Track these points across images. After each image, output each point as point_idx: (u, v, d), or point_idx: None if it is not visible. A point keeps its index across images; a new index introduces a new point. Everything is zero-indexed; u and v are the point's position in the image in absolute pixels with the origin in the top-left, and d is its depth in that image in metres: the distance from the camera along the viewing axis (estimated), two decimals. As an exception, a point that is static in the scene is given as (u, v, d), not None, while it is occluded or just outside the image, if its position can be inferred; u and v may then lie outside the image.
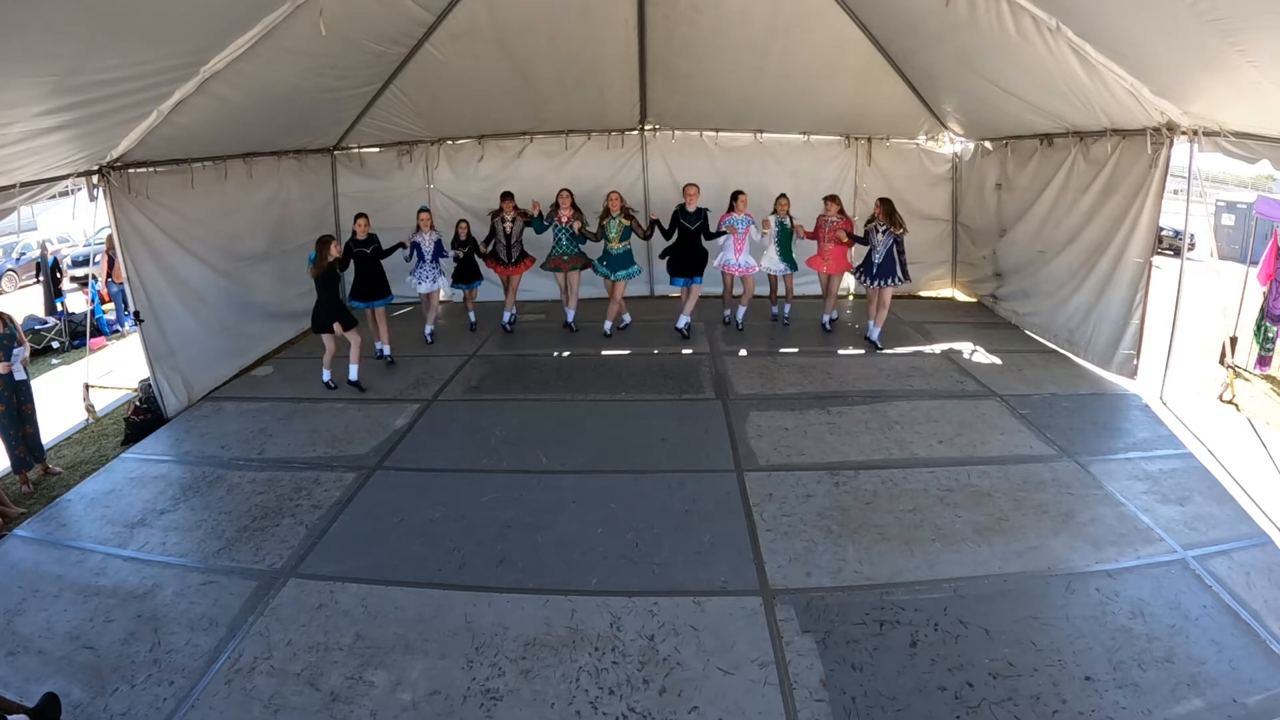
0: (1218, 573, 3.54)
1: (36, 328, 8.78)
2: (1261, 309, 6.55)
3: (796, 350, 7.07)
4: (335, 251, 6.05)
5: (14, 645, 3.25)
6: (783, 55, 7.11)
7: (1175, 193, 7.12)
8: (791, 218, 7.27)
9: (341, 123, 7.94)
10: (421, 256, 7.12)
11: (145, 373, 5.81)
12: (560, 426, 5.43)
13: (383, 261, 6.75)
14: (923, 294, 9.32)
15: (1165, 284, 5.90)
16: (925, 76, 7.42)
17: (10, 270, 14.15)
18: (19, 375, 4.87)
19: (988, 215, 8.42)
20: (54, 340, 8.83)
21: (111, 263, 9.54)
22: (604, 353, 7.10)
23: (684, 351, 7.09)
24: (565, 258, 7.38)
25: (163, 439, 5.47)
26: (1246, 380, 6.15)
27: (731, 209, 7.22)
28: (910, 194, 8.63)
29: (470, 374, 6.63)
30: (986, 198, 8.39)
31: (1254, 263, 7.37)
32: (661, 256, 7.48)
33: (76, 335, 8.92)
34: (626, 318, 7.85)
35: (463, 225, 7.39)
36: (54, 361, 8.37)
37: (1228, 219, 14.17)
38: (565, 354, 7.12)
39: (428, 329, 7.61)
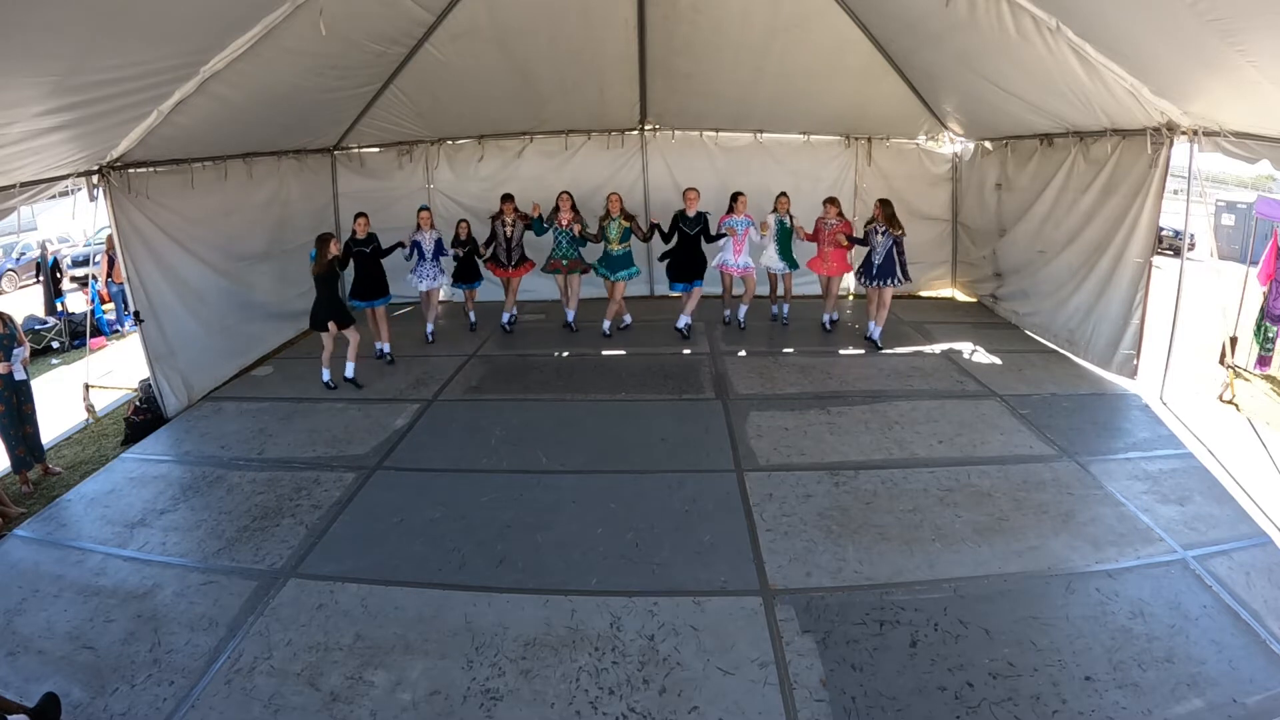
0: (1218, 573, 3.54)
1: (36, 328, 8.78)
2: (1261, 309, 6.55)
3: (796, 350, 7.08)
4: (335, 249, 6.08)
5: (14, 645, 3.25)
6: (783, 55, 7.11)
7: (1175, 193, 7.13)
8: (791, 216, 7.28)
9: (341, 123, 7.95)
10: (422, 255, 7.14)
11: (145, 373, 5.81)
12: (560, 426, 5.43)
13: (383, 261, 6.77)
14: (923, 294, 9.32)
15: (1165, 284, 5.90)
16: (925, 76, 7.42)
17: (10, 270, 14.15)
18: (19, 375, 4.87)
19: (988, 215, 8.42)
20: (54, 340, 8.83)
21: (111, 263, 9.53)
22: (604, 353, 7.11)
23: (684, 351, 7.09)
24: (564, 261, 7.38)
25: (163, 439, 5.47)
26: (1246, 380, 6.15)
27: (731, 210, 7.23)
28: (910, 194, 8.64)
29: (470, 374, 6.63)
30: (986, 198, 8.39)
31: (1254, 263, 7.37)
32: (661, 259, 7.48)
33: (76, 335, 8.92)
34: (627, 318, 7.86)
35: (463, 225, 7.40)
36: (54, 361, 8.37)
37: (1228, 219, 14.17)
38: (565, 354, 7.13)
39: (428, 327, 7.62)
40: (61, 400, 6.29)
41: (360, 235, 6.57)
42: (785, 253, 7.41)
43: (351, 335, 6.23)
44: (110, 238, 7.25)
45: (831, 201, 7.24)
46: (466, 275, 7.58)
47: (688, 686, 2.93)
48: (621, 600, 3.44)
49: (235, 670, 3.06)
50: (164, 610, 3.46)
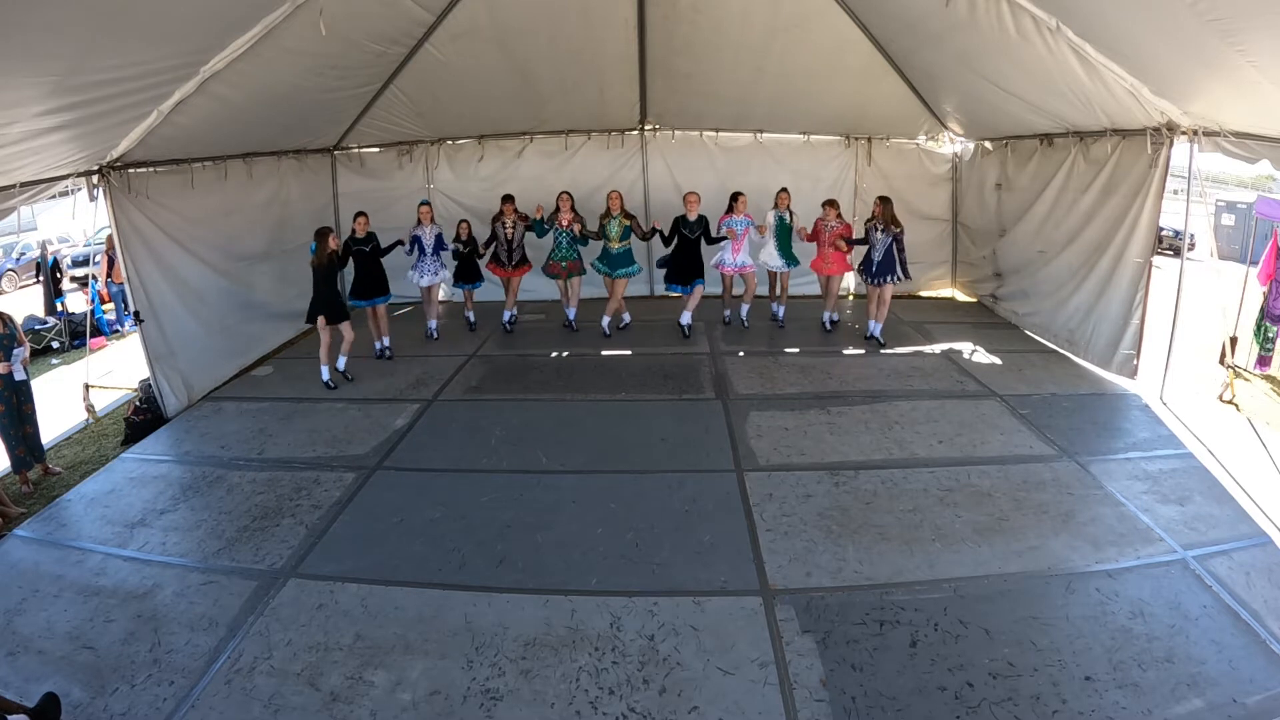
0: (1218, 573, 3.54)
1: (36, 328, 8.78)
2: (1261, 309, 6.55)
3: (796, 350, 7.08)
4: (334, 243, 6.11)
5: (14, 645, 3.25)
6: (783, 55, 7.11)
7: (1175, 193, 7.13)
8: (792, 212, 7.29)
9: (341, 123, 7.95)
10: (422, 250, 7.16)
11: (145, 373, 5.81)
12: (560, 426, 5.43)
13: (383, 260, 6.79)
14: (923, 294, 9.33)
15: (1165, 284, 5.90)
16: (925, 76, 7.42)
17: (10, 270, 14.15)
18: (19, 375, 4.87)
19: (988, 215, 8.42)
20: (54, 340, 8.83)
21: (111, 263, 9.53)
22: (604, 353, 7.11)
23: (684, 351, 7.09)
24: (564, 264, 7.38)
25: (163, 439, 5.47)
26: (1246, 380, 6.15)
27: (731, 210, 7.23)
28: (910, 194, 8.63)
29: (470, 374, 6.63)
30: (986, 198, 8.39)
31: (1254, 263, 7.37)
32: (660, 266, 7.48)
33: (76, 335, 8.92)
34: (626, 317, 7.85)
35: (464, 225, 7.40)
36: (54, 361, 8.37)
37: (1228, 219, 14.17)
38: (565, 354, 7.13)
39: (432, 325, 7.64)
40: (61, 400, 6.28)
41: (360, 234, 6.58)
42: (785, 250, 7.41)
43: (346, 331, 6.27)
44: (110, 238, 7.25)
45: (831, 204, 7.25)
46: (467, 275, 7.58)
47: (688, 686, 2.93)
48: (621, 600, 3.44)
49: (235, 670, 3.06)
50: (164, 610, 3.46)
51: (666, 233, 7.21)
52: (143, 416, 5.66)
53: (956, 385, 6.10)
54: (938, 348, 7.07)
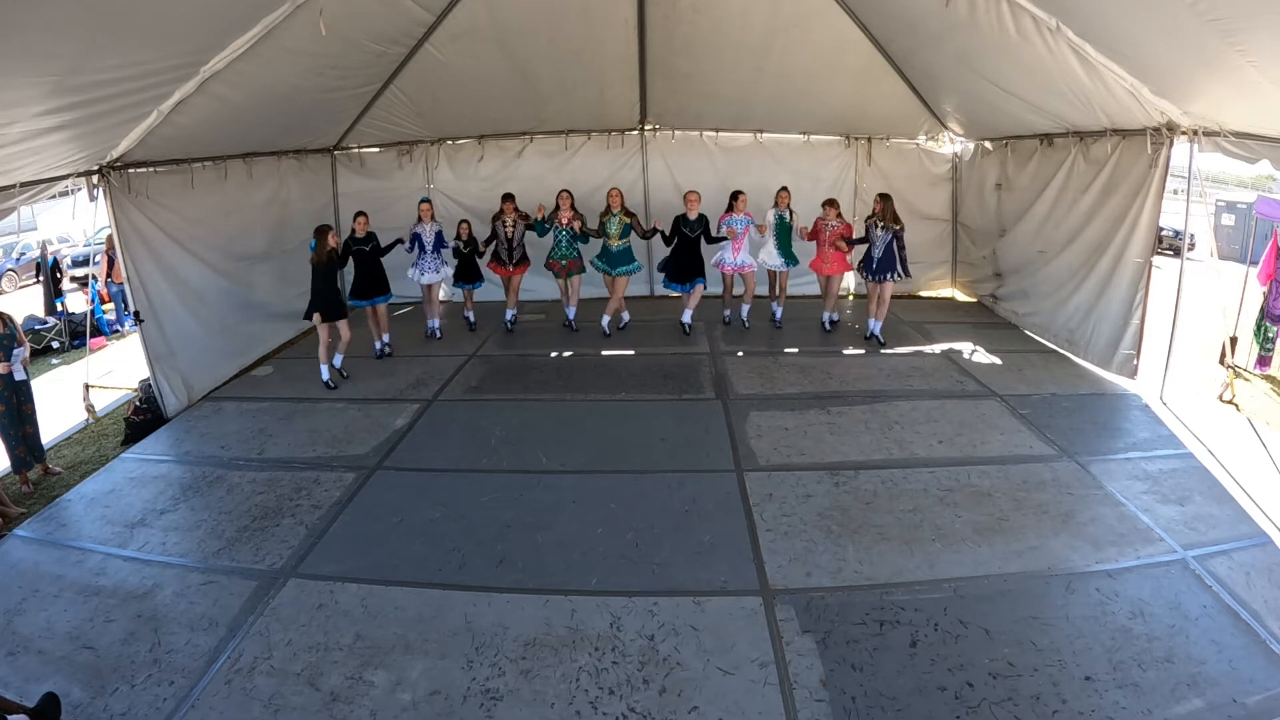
0: (1218, 573, 3.54)
1: (36, 328, 8.78)
2: (1261, 309, 6.55)
3: (796, 350, 7.08)
4: (333, 241, 6.13)
5: (14, 645, 3.25)
6: (783, 55, 7.11)
7: (1175, 193, 7.13)
8: (792, 211, 7.29)
9: (341, 123, 7.95)
10: (423, 248, 7.17)
11: (145, 373, 5.81)
12: (560, 426, 5.43)
13: (383, 260, 6.80)
14: (923, 294, 9.33)
15: (1165, 284, 5.90)
16: (925, 76, 7.42)
17: (10, 270, 14.15)
18: (19, 375, 4.87)
19: (988, 215, 8.42)
20: (54, 340, 8.83)
21: (111, 263, 9.54)
22: (604, 353, 7.11)
23: (684, 351, 7.09)
24: (563, 261, 7.38)
25: (163, 439, 5.47)
26: (1246, 380, 6.15)
27: (731, 209, 7.23)
28: (910, 194, 8.63)
29: (470, 374, 6.63)
30: (986, 198, 8.39)
31: (1254, 263, 7.37)
32: (661, 270, 7.49)
33: (76, 335, 8.92)
34: (625, 316, 7.84)
35: (464, 225, 7.41)
36: (54, 361, 8.37)
37: (1228, 219, 14.17)
38: (565, 354, 7.13)
39: (435, 324, 7.65)
40: (61, 400, 6.29)
41: (360, 234, 6.59)
42: (785, 248, 7.41)
43: (343, 330, 6.30)
44: (110, 238, 7.25)
45: (831, 203, 7.24)
46: (467, 275, 7.58)
47: (688, 686, 2.93)
48: (621, 600, 3.44)
49: (235, 670, 3.06)
50: (164, 610, 3.46)
51: (667, 232, 7.21)
52: (143, 416, 5.66)
53: (956, 385, 6.10)
54: (938, 348, 7.07)
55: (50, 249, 11.66)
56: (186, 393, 6.01)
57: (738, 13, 6.57)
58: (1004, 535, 3.90)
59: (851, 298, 9.11)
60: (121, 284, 7.71)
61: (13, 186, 4.57)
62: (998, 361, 6.68)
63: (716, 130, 8.83)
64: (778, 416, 5.48)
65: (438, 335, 7.65)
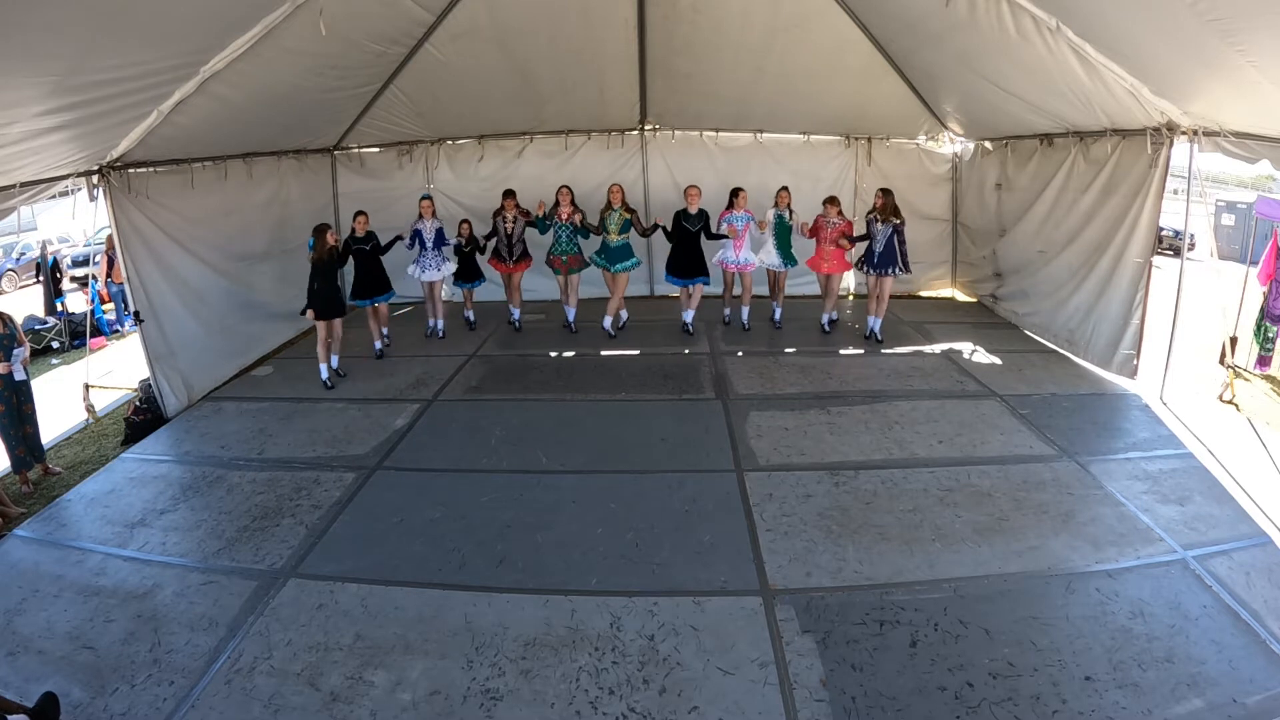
0: (1218, 573, 3.54)
1: (36, 328, 8.78)
2: (1261, 309, 6.55)
3: (796, 350, 7.08)
4: (332, 239, 6.14)
5: (14, 645, 3.26)
6: (783, 55, 7.11)
7: (1175, 193, 7.13)
8: (792, 210, 7.29)
9: (341, 123, 7.95)
10: (423, 245, 7.17)
11: (145, 373, 5.81)
12: (560, 426, 5.43)
13: (384, 258, 6.81)
14: (923, 294, 9.33)
15: (1165, 284, 5.90)
16: (925, 76, 7.42)
17: (10, 270, 14.16)
18: (19, 375, 4.87)
19: (988, 215, 8.42)
20: (54, 340, 8.83)
21: (111, 263, 9.54)
22: (604, 353, 7.10)
23: (684, 351, 7.09)
24: (564, 258, 7.37)
25: (163, 439, 5.47)
26: (1246, 380, 6.15)
27: (731, 206, 7.23)
28: (910, 194, 8.60)
29: (470, 374, 6.63)
30: (986, 198, 8.39)
31: (1254, 263, 7.38)
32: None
33: (76, 335, 8.92)
34: (624, 315, 7.83)
35: (465, 225, 7.41)
36: (54, 361, 8.37)
37: (1228, 219, 14.17)
38: (565, 354, 7.12)
39: (438, 324, 7.67)
40: (61, 400, 6.29)
41: (360, 233, 6.59)
42: (784, 249, 7.40)
43: (336, 329, 6.35)
44: (110, 238, 7.25)
45: (832, 201, 7.24)
46: (467, 274, 7.59)
47: (688, 686, 2.93)
48: (621, 600, 3.44)
49: (235, 670, 3.06)
50: (164, 610, 3.46)
51: (669, 228, 7.20)
52: (143, 416, 5.66)
53: (956, 385, 6.10)
54: (938, 348, 7.08)
55: (50, 249, 11.66)
56: (186, 393, 6.01)
57: (738, 13, 6.57)
58: (1004, 535, 3.90)
59: (851, 297, 9.11)
60: (121, 284, 7.71)
61: (13, 186, 4.57)
62: (998, 361, 6.68)
63: (716, 130, 8.82)
64: (778, 416, 5.48)
65: (440, 335, 7.66)
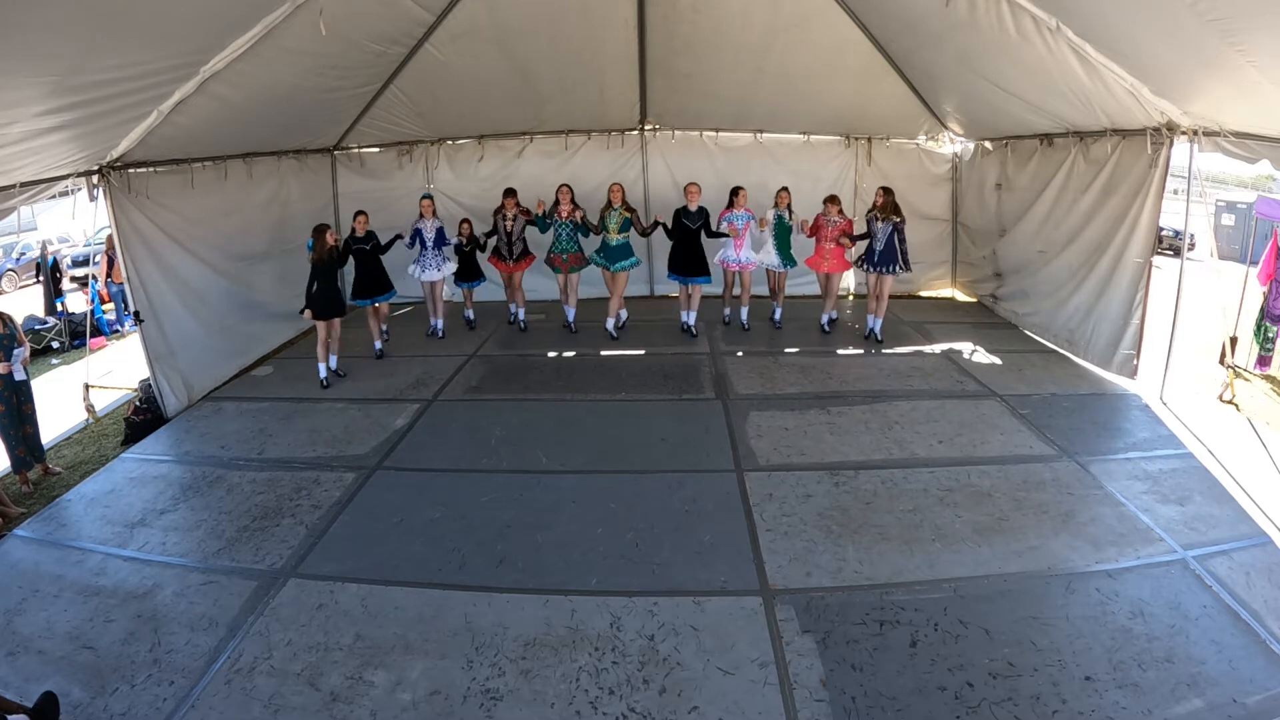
0: (1218, 573, 3.54)
1: (36, 328, 8.78)
2: (1261, 309, 6.55)
3: (796, 350, 7.08)
4: (332, 239, 6.15)
5: (14, 645, 3.26)
6: (783, 55, 7.11)
7: (1175, 193, 7.13)
8: (791, 210, 7.29)
9: (341, 123, 7.95)
10: (424, 244, 7.17)
11: (145, 373, 5.81)
12: (560, 426, 5.43)
13: (385, 258, 6.82)
14: (923, 294, 9.33)
15: (1165, 284, 5.90)
16: (925, 76, 7.42)
17: (10, 270, 14.16)
18: (19, 375, 4.87)
19: (988, 215, 8.42)
20: (54, 340, 8.84)
21: (111, 263, 9.54)
22: (604, 353, 7.10)
23: (684, 351, 7.09)
24: (565, 256, 7.37)
25: (163, 439, 5.47)
26: (1246, 380, 6.15)
27: (731, 205, 7.23)
28: (910, 194, 8.59)
29: (470, 374, 6.63)
30: (986, 198, 8.39)
31: (1254, 263, 7.38)
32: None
33: (76, 335, 8.92)
34: (623, 314, 7.82)
35: (465, 225, 7.41)
36: (54, 361, 8.37)
37: (1228, 219, 14.17)
38: (565, 354, 7.12)
39: (439, 323, 7.66)
40: (61, 400, 6.29)
41: (360, 233, 6.59)
42: (783, 249, 7.40)
43: (334, 328, 6.37)
44: (110, 238, 7.25)
45: (833, 200, 7.24)
46: (467, 274, 7.59)
47: (688, 686, 2.93)
48: (621, 600, 3.44)
49: (235, 670, 3.06)
50: (164, 610, 3.46)
51: (670, 224, 7.20)
52: (143, 416, 5.66)
53: (956, 385, 6.10)
54: (938, 348, 7.08)
55: (50, 249, 11.66)
56: (186, 393, 6.01)
57: (738, 13, 6.57)
58: (1004, 535, 3.90)
59: (851, 298, 9.11)
60: (121, 284, 7.71)
61: (13, 186, 4.57)
62: (998, 361, 6.68)
63: (716, 130, 8.82)
64: (778, 416, 5.48)
65: (440, 335, 7.65)
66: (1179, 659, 2.99)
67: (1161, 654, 3.02)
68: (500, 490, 4.50)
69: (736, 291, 7.75)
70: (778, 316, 7.76)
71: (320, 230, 6.14)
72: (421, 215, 7.25)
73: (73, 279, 12.93)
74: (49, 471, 5.08)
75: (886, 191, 6.97)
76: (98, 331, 8.87)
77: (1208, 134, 5.06)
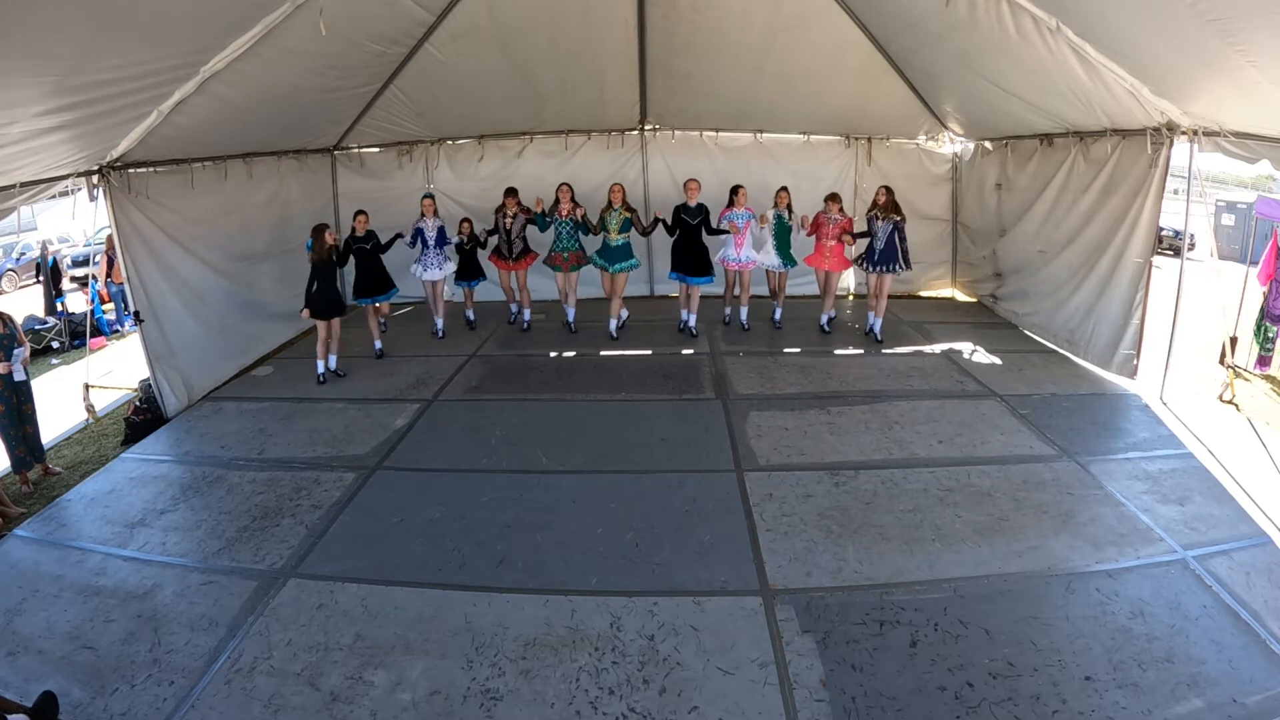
0: (1218, 573, 3.54)
1: (36, 328, 8.78)
2: (1261, 309, 6.55)
3: (797, 350, 7.08)
4: (331, 238, 6.15)
5: (14, 645, 3.26)
6: (783, 55, 7.11)
7: (1175, 193, 7.12)
8: (791, 210, 7.29)
9: (341, 123, 7.95)
10: (425, 243, 7.18)
11: (145, 373, 5.81)
12: (560, 426, 5.43)
13: (386, 257, 6.82)
14: (923, 294, 9.33)
15: (1165, 284, 5.90)
16: (925, 76, 7.42)
17: (10, 270, 14.15)
18: (19, 375, 4.87)
19: (988, 215, 8.42)
20: (54, 340, 8.83)
21: (111, 263, 9.54)
22: (604, 353, 7.10)
23: (684, 351, 7.09)
24: (565, 255, 7.36)
25: (163, 439, 5.47)
26: (1246, 380, 6.15)
27: (731, 204, 7.22)
28: (910, 194, 8.58)
29: (470, 374, 6.63)
30: (986, 198, 8.39)
31: (1254, 263, 7.38)
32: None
33: (76, 335, 8.92)
34: (624, 314, 7.81)
35: (466, 224, 7.41)
36: (54, 361, 8.37)
37: (1228, 219, 14.17)
38: (565, 354, 7.12)
39: (439, 322, 7.65)
40: (61, 400, 6.29)
41: (360, 232, 6.59)
42: (783, 249, 7.40)
43: (334, 328, 6.38)
44: (110, 238, 7.25)
45: (833, 198, 7.24)
46: (468, 273, 7.59)
47: (688, 686, 2.93)
48: (621, 600, 3.44)
49: (235, 670, 3.06)
50: (164, 610, 3.46)
51: (670, 221, 7.19)
52: (143, 416, 5.66)
53: (956, 385, 6.10)
54: (938, 348, 7.07)
55: (50, 249, 11.66)
56: (186, 393, 6.01)
57: (738, 13, 6.57)
58: (1004, 535, 3.90)
59: (851, 297, 9.11)
60: (121, 284, 7.71)
61: (13, 186, 4.57)
62: (998, 361, 6.68)
63: (716, 130, 8.82)
64: (778, 416, 5.48)
65: (440, 335, 7.65)
66: (1179, 659, 2.99)
67: (1161, 654, 3.02)
68: (500, 490, 4.50)
69: (737, 291, 7.75)
70: (778, 316, 7.75)
71: (319, 230, 6.16)
72: (423, 215, 7.26)
73: (73, 279, 12.93)
74: (49, 471, 5.08)
75: (887, 190, 6.98)
76: (98, 331, 8.87)
77: (1208, 134, 5.06)
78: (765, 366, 6.60)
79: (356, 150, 8.81)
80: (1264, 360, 6.45)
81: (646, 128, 8.84)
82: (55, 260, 10.91)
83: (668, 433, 5.25)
